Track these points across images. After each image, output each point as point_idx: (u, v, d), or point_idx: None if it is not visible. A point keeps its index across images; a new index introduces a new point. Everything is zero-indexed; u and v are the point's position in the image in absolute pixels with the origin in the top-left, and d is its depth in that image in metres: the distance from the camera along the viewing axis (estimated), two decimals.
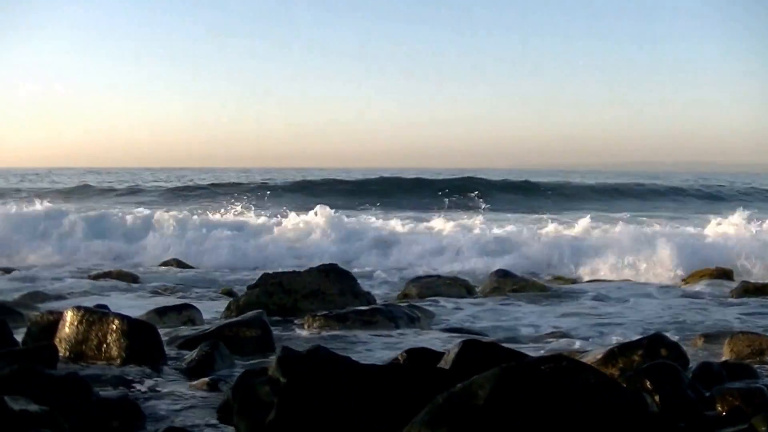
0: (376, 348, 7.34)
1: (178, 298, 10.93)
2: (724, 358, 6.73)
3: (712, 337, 7.61)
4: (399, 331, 8.19)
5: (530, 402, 3.44)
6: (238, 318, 7.76)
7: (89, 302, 8.36)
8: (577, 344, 7.49)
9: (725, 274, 12.71)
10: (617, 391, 3.86)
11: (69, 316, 6.42)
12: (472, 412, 3.47)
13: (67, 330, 6.35)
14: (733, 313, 9.54)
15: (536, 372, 3.54)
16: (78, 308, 6.50)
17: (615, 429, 3.62)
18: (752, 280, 11.93)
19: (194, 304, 9.14)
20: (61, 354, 6.12)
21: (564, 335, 8.05)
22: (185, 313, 8.69)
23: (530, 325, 8.78)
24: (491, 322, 9.11)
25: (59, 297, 10.71)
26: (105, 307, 7.00)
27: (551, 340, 7.86)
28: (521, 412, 3.43)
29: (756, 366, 6.26)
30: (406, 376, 4.43)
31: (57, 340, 6.31)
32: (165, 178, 61.91)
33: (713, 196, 41.37)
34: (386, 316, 8.52)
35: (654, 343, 5.77)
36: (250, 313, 7.69)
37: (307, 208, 20.14)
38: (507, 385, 3.50)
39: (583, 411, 3.53)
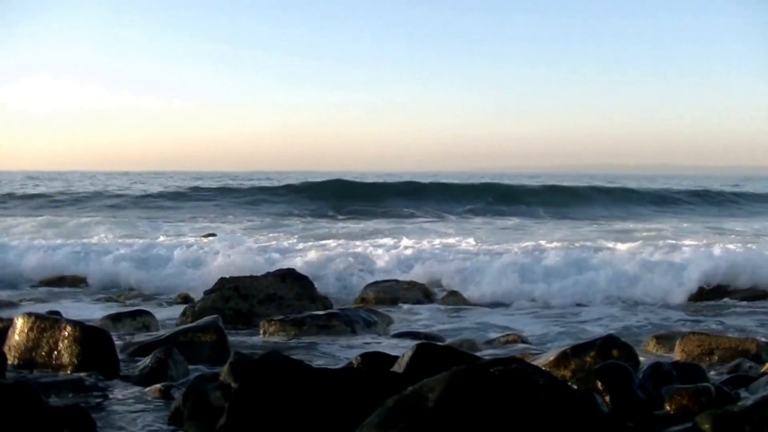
0: (333, 352, 7.33)
1: (133, 304, 10.84)
2: (675, 359, 6.81)
3: (664, 338, 7.69)
4: (356, 335, 8.19)
5: (480, 404, 3.45)
6: (193, 324, 7.69)
7: (42, 309, 8.25)
8: (533, 347, 7.54)
9: None
10: (567, 392, 3.88)
11: (19, 322, 6.31)
12: (422, 414, 3.47)
13: (17, 337, 6.25)
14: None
15: (486, 374, 3.55)
16: (29, 315, 6.39)
17: (565, 429, 3.65)
18: None
19: (150, 310, 9.06)
20: (10, 362, 6.02)
21: (520, 338, 8.09)
22: (140, 319, 8.62)
23: (487, 329, 8.82)
24: (448, 326, 9.14)
25: (10, 304, 10.56)
26: (57, 313, 6.91)
27: (508, 343, 7.90)
28: (471, 415, 3.45)
29: (706, 366, 6.33)
30: (359, 380, 4.43)
31: (6, 347, 6.20)
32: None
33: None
34: (343, 321, 8.51)
35: (606, 344, 5.81)
36: (205, 319, 7.64)
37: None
38: (457, 387, 3.50)
39: (534, 412, 3.55)
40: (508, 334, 8.25)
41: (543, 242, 17.38)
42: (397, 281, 12.18)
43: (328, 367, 5.70)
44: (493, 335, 8.49)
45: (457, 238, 18.87)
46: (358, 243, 17.14)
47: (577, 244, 16.97)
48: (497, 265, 13.08)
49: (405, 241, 17.20)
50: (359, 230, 23.12)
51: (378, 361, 5.68)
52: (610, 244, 16.84)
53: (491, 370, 3.53)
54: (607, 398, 4.96)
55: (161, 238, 18.47)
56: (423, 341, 6.60)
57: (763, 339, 7.30)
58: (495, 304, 11.07)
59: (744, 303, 10.82)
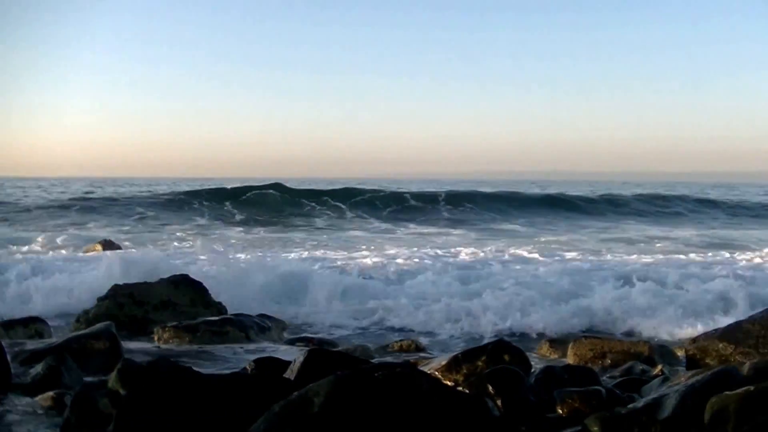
0: (227, 358, 7.29)
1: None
2: (568, 362, 6.94)
3: (557, 342, 7.84)
4: (250, 341, 8.17)
5: (364, 408, 3.49)
6: (86, 330, 7.56)
7: None
8: (430, 354, 7.61)
9: None
10: (454, 396, 3.95)
11: None
12: (307, 419, 3.50)
13: None
14: None
15: (370, 379, 3.60)
16: None
17: None
18: None
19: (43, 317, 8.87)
20: None
21: (416, 345, 8.14)
22: (32, 326, 8.45)
23: (383, 333, 8.87)
24: (346, 331, 9.18)
25: None
26: None
27: (402, 350, 7.95)
28: (356, 418, 3.49)
29: (598, 369, 6.48)
30: (249, 386, 4.43)
31: None
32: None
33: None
34: (237, 327, 8.49)
35: (497, 348, 5.89)
36: (98, 325, 7.52)
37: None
38: (341, 392, 3.54)
39: (419, 416, 3.60)
40: (403, 341, 8.30)
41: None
42: None
43: (221, 372, 5.69)
44: (388, 339, 8.54)
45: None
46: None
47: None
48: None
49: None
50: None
51: (271, 366, 5.69)
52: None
53: (375, 374, 3.58)
54: (499, 402, 5.04)
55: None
56: (314, 347, 6.63)
57: (656, 342, 7.50)
58: None
59: None
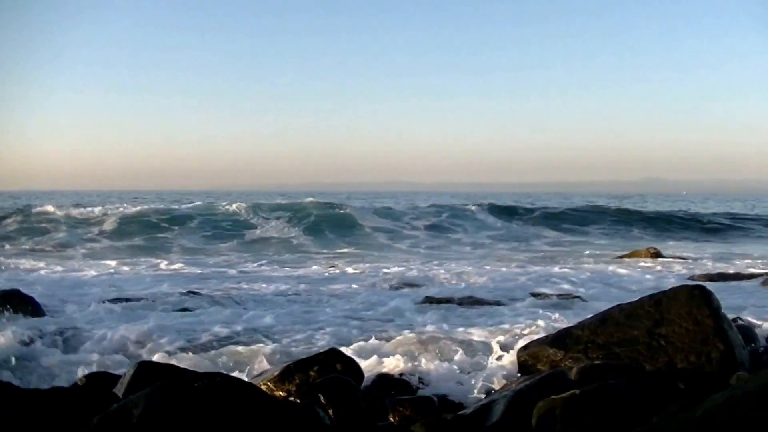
0: (54, 372, 7.07)
1: None
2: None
3: None
4: (84, 351, 7.94)
5: (185, 418, 3.47)
6: None
7: None
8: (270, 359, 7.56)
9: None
10: (282, 407, 3.97)
11: None
12: (126, 430, 3.46)
13: None
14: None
15: (190, 389, 3.58)
16: None
17: None
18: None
19: None
20: None
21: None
22: None
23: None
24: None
25: None
26: None
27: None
28: (175, 427, 3.46)
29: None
30: (74, 400, 4.34)
31: None
32: None
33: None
34: (73, 337, 8.25)
35: (329, 358, 5.93)
36: None
37: None
38: (160, 402, 3.51)
39: (244, 425, 3.60)
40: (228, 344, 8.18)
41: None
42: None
43: (51, 387, 5.53)
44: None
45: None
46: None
47: None
48: None
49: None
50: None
51: (103, 379, 5.60)
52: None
53: (195, 384, 3.57)
54: (331, 411, 5.10)
55: None
56: (145, 360, 6.52)
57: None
58: None
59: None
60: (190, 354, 7.30)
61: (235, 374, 5.72)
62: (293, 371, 5.78)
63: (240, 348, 7.64)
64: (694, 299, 6.02)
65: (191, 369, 5.84)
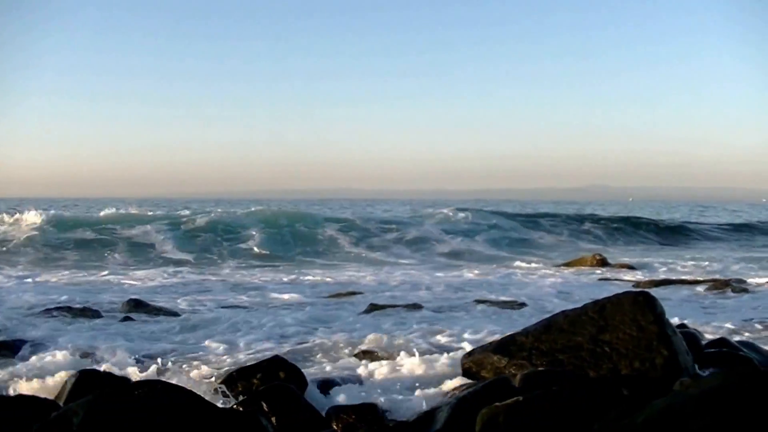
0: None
1: None
2: None
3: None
4: (21, 359, 7.85)
5: (125, 425, 3.45)
6: None
7: None
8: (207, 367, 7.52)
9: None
10: (223, 414, 3.96)
11: None
12: None
13: None
14: None
15: (130, 397, 3.56)
16: None
17: None
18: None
19: None
20: None
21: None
22: None
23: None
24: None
25: None
26: None
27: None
28: None
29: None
30: (17, 409, 4.30)
31: None
32: None
33: None
34: (7, 347, 8.15)
35: (272, 365, 5.92)
36: None
37: None
38: (101, 410, 3.49)
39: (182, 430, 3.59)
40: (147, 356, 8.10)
41: None
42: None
43: None
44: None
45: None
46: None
47: None
48: None
49: None
50: None
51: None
52: None
53: (136, 392, 3.55)
54: (273, 419, 5.09)
55: None
56: (86, 368, 6.45)
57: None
58: None
59: None
60: (132, 362, 7.24)
61: (176, 382, 5.69)
62: (236, 379, 5.77)
63: (183, 356, 7.61)
64: (638, 306, 6.08)
65: (132, 377, 5.81)
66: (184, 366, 7.28)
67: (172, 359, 7.56)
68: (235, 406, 5.22)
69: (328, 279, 16.65)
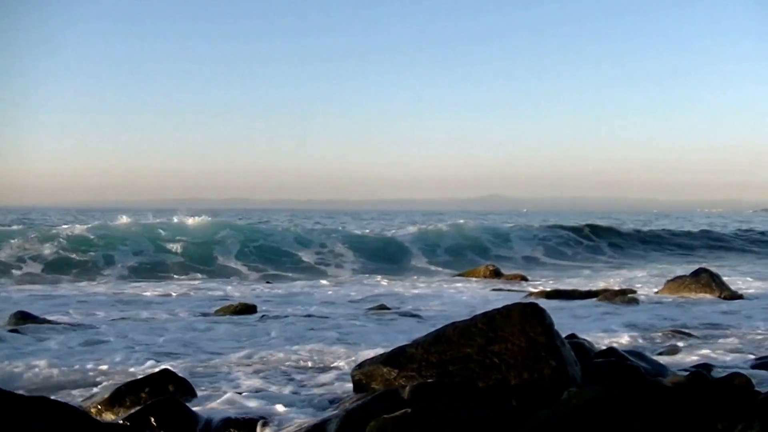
0: None
1: None
2: None
3: None
4: None
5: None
6: None
7: None
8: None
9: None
10: (106, 429, 3.94)
11: None
12: None
13: None
14: None
15: (13, 413, 3.53)
16: None
17: None
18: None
19: None
20: None
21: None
22: None
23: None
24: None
25: None
26: None
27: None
28: None
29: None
30: None
31: None
32: None
33: None
34: None
35: (161, 379, 5.90)
36: None
37: None
38: None
39: None
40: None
41: None
42: None
43: None
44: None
45: None
46: None
47: None
48: None
49: None
50: None
51: None
52: None
53: (19, 407, 3.51)
54: None
55: None
56: None
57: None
58: None
59: None
60: (18, 375, 7.12)
61: (61, 398, 5.64)
62: (124, 393, 5.72)
63: (71, 369, 7.50)
64: (527, 317, 6.21)
65: (16, 392, 5.71)
66: (69, 380, 7.20)
67: (56, 374, 7.46)
68: (122, 422, 5.19)
69: (219, 292, 16.55)
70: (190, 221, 29.07)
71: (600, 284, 18.09)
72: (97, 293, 16.16)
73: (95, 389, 6.58)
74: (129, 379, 6.20)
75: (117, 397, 5.71)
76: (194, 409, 5.60)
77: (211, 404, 5.99)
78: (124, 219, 28.28)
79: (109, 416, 5.51)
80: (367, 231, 35.34)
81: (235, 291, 16.79)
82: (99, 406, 5.61)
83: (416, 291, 17.06)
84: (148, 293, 16.23)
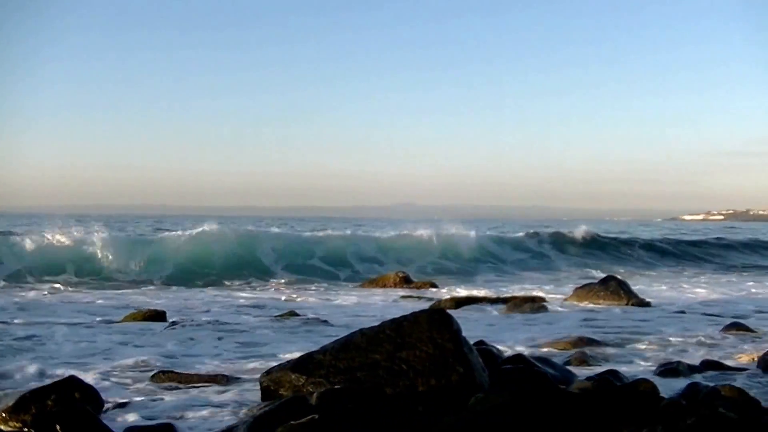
0: None
1: None
2: None
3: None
4: None
5: None
6: None
7: None
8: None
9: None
10: None
11: None
12: None
13: None
14: None
15: None
16: None
17: None
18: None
19: None
20: None
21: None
22: None
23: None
24: None
25: None
26: None
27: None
28: None
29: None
30: None
31: None
32: None
33: None
34: None
35: (67, 386, 5.85)
36: None
37: None
38: None
39: None
40: None
41: None
42: None
43: None
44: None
45: None
46: None
47: None
48: None
49: None
50: None
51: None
52: None
53: None
54: None
55: None
56: None
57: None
58: None
59: None
60: None
61: None
62: (29, 401, 5.65)
63: None
64: (435, 323, 6.32)
65: None
66: None
67: None
68: (26, 431, 5.15)
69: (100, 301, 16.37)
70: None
71: (511, 291, 18.34)
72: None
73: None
74: (32, 388, 6.13)
75: (21, 405, 5.61)
76: (101, 416, 5.61)
77: (118, 412, 6.00)
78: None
79: (12, 424, 5.46)
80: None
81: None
82: (2, 414, 5.55)
83: (326, 297, 17.15)
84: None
